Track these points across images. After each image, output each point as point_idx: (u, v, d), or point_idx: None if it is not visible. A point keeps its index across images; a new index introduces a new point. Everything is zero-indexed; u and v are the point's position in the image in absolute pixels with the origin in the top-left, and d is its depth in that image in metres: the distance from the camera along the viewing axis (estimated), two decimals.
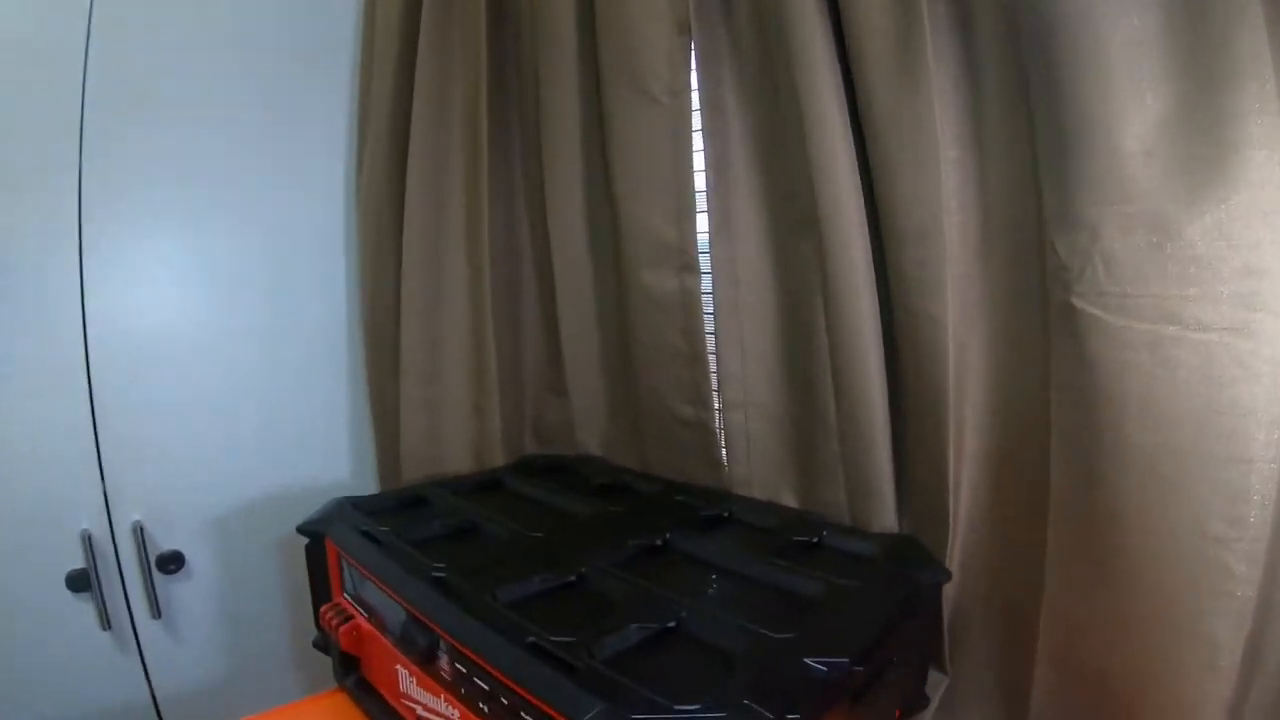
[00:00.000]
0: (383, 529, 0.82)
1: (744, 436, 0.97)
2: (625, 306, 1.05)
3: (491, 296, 1.14)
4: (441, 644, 0.65)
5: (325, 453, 1.27)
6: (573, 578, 0.72)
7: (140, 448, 1.09)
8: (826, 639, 0.59)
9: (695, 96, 0.93)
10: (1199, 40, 0.57)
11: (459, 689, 0.64)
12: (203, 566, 1.16)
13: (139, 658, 1.11)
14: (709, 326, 0.97)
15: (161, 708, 1.13)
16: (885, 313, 0.82)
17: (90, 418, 1.05)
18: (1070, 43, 0.61)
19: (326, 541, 0.86)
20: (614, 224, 1.03)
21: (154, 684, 1.12)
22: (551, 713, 0.52)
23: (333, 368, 1.27)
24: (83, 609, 1.06)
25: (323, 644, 0.88)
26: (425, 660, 0.67)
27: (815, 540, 0.82)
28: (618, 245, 1.03)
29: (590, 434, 1.20)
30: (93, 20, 1.02)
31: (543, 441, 1.29)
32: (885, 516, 0.85)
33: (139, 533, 1.08)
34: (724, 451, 1.00)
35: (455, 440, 1.19)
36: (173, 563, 1.12)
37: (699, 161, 0.94)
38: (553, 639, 0.58)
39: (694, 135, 0.94)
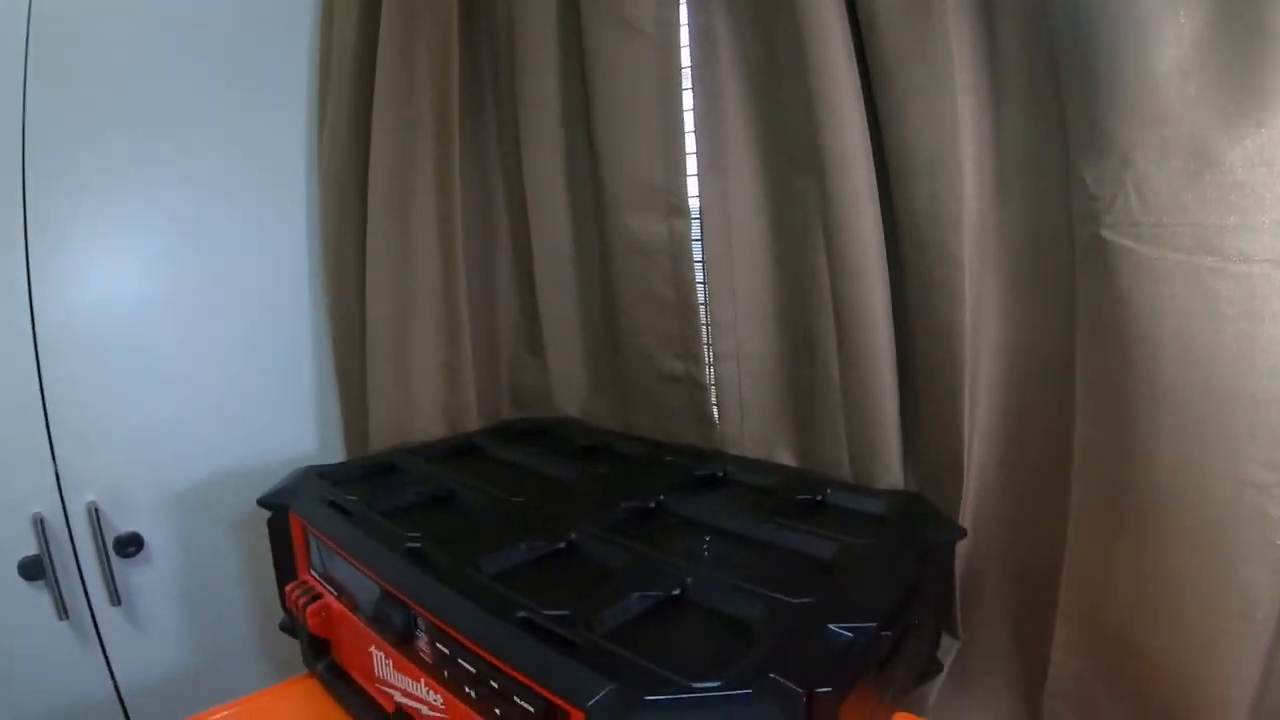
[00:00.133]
0: (351, 498, 0.77)
1: (736, 391, 0.93)
2: (608, 255, 0.99)
3: (463, 250, 1.08)
4: (420, 622, 0.60)
5: (290, 424, 1.22)
6: (562, 544, 0.68)
7: (93, 425, 1.03)
8: (849, 602, 0.55)
9: (684, 28, 0.88)
10: None
11: (441, 672, 0.58)
12: (163, 549, 1.10)
13: (100, 648, 1.06)
14: (699, 276, 0.92)
15: (126, 701, 1.08)
16: (892, 253, 0.77)
17: (39, 395, 0.99)
18: None
19: (290, 514, 0.80)
20: (595, 166, 0.97)
21: (117, 676, 1.07)
22: (550, 696, 0.47)
23: (295, 334, 1.20)
24: (37, 598, 1.00)
25: (290, 626, 0.83)
26: (402, 641, 0.62)
27: (818, 499, 0.78)
28: (599, 189, 0.97)
29: (569, 396, 1.15)
30: None
31: (519, 406, 1.24)
32: (891, 473, 0.81)
33: (94, 515, 1.02)
34: (714, 409, 0.95)
35: (426, 406, 1.13)
36: (131, 545, 1.06)
37: (688, 97, 0.89)
38: (546, 612, 0.53)
39: (683, 69, 0.89)
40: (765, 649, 0.49)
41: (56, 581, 0.99)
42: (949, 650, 0.78)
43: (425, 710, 0.61)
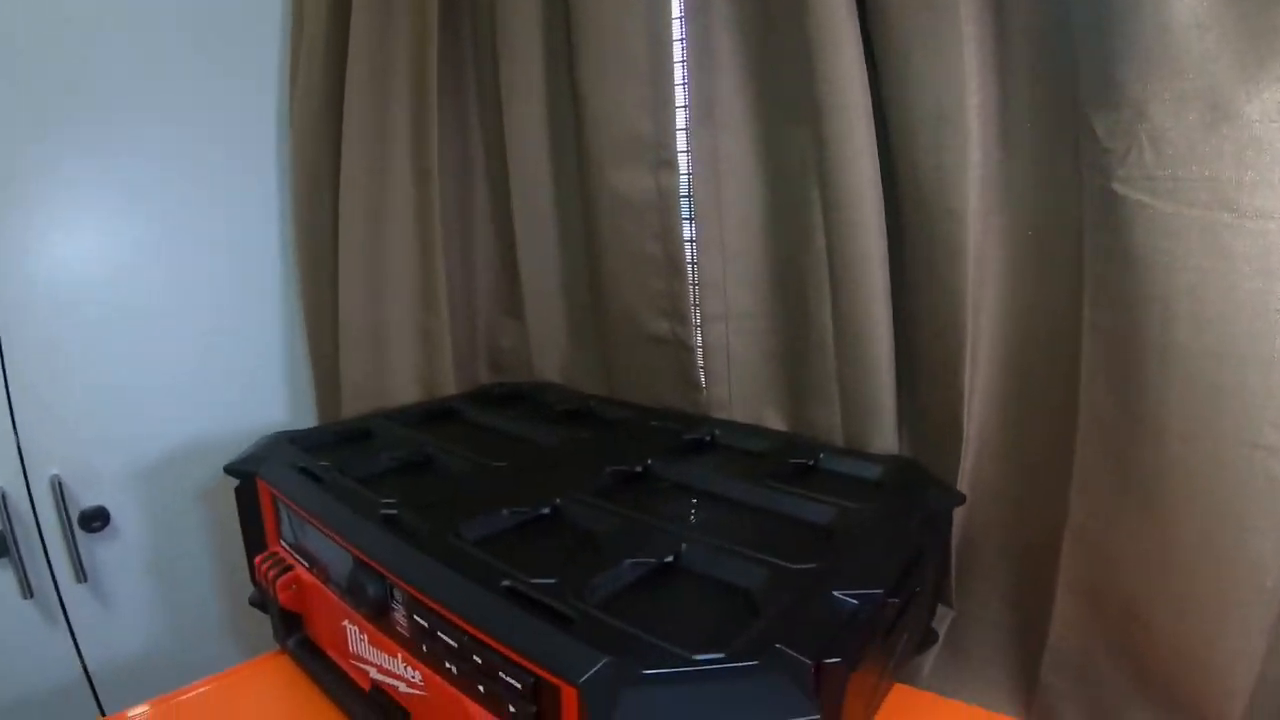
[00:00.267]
0: (322, 464, 0.74)
1: (724, 352, 0.90)
2: (592, 211, 0.95)
3: (441, 207, 1.04)
4: (396, 593, 0.56)
5: (260, 391, 1.20)
6: (546, 510, 0.65)
7: (56, 396, 1.00)
8: (853, 568, 0.53)
9: None
10: None
11: (420, 646, 0.55)
12: (129, 523, 1.08)
13: (66, 627, 1.04)
14: (687, 233, 0.89)
15: (96, 682, 1.06)
16: (890, 210, 0.74)
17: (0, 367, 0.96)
18: None
19: (258, 482, 0.77)
20: (579, 117, 0.93)
21: (85, 655, 1.05)
22: (540, 671, 0.44)
23: (266, 300, 1.18)
24: (0, 576, 0.98)
25: (260, 601, 0.79)
26: (377, 613, 0.59)
27: (811, 464, 0.76)
28: (583, 141, 0.93)
29: (549, 360, 1.13)
30: None
31: (497, 370, 1.21)
32: (885, 437, 0.79)
33: (58, 489, 1.00)
34: (701, 372, 0.93)
35: (402, 371, 1.10)
36: (96, 520, 1.04)
37: (678, 49, 0.85)
38: (533, 581, 0.50)
39: (672, 15, 0.85)
40: (768, 617, 0.46)
41: (20, 559, 0.97)
42: (943, 620, 0.76)
43: (403, 688, 0.58)
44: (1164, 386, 0.57)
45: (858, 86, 0.71)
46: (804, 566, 0.52)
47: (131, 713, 0.69)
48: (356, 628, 0.63)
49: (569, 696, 0.42)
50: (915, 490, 0.70)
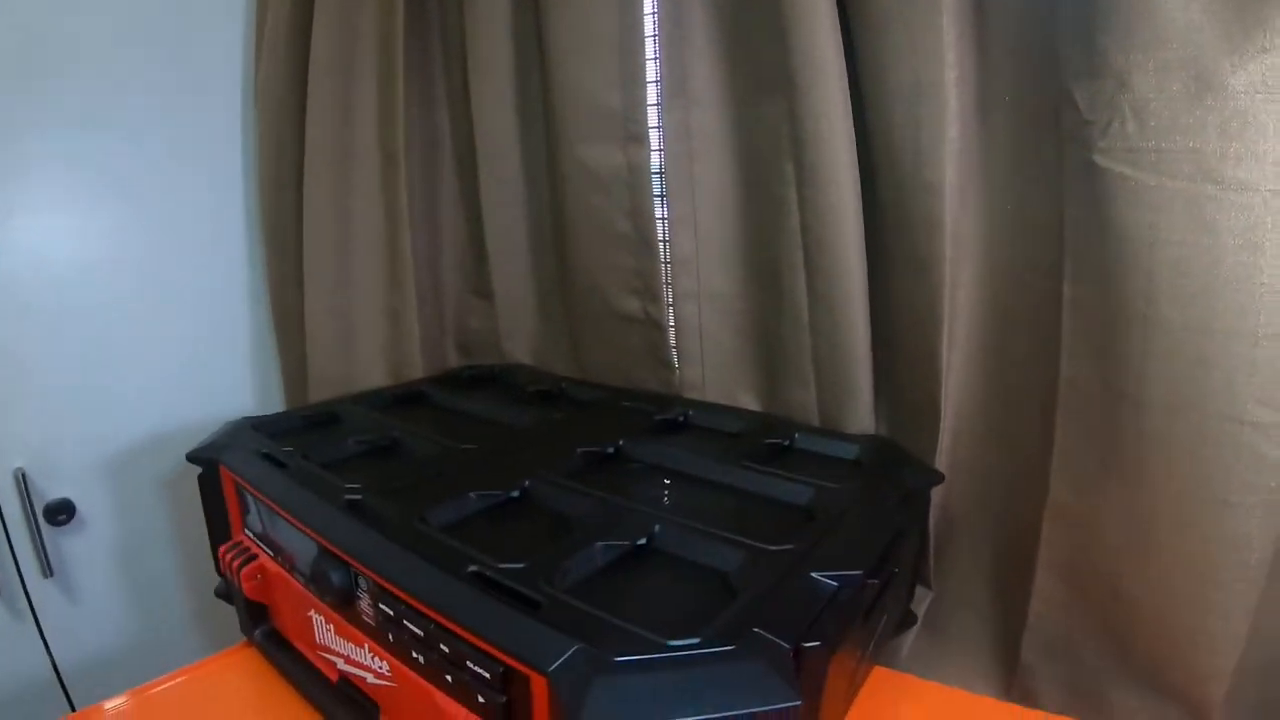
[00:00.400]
0: (286, 450, 0.72)
1: (697, 332, 0.89)
2: (561, 188, 0.93)
3: (407, 186, 1.02)
4: (361, 581, 0.55)
5: (226, 378, 1.18)
6: (515, 493, 0.63)
7: (18, 387, 0.99)
8: (832, 549, 0.52)
9: None
10: None
11: (386, 635, 0.53)
12: (96, 515, 1.06)
13: (34, 623, 1.02)
14: (659, 210, 0.87)
15: (65, 679, 1.04)
16: (866, 185, 0.73)
17: None
18: None
19: (221, 469, 0.74)
20: (547, 91, 0.91)
21: (54, 652, 1.03)
22: (508, 660, 0.42)
23: (230, 282, 1.16)
24: None
25: (225, 591, 0.77)
26: (342, 602, 0.57)
27: (786, 444, 0.75)
28: (552, 116, 0.91)
29: (519, 340, 1.11)
30: None
31: (465, 352, 1.19)
32: (861, 417, 0.78)
33: (22, 481, 0.98)
34: (674, 351, 0.92)
35: (368, 353, 1.08)
36: (62, 513, 1.01)
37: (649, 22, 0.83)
38: (501, 565, 0.48)
39: None
40: (745, 600, 0.45)
41: None
42: (921, 601, 0.75)
43: (370, 679, 0.57)
44: (1146, 362, 0.56)
45: (833, 60, 0.69)
46: (781, 548, 0.50)
47: (103, 707, 0.68)
48: (323, 618, 0.61)
49: (539, 685, 0.41)
50: (893, 470, 0.69)
